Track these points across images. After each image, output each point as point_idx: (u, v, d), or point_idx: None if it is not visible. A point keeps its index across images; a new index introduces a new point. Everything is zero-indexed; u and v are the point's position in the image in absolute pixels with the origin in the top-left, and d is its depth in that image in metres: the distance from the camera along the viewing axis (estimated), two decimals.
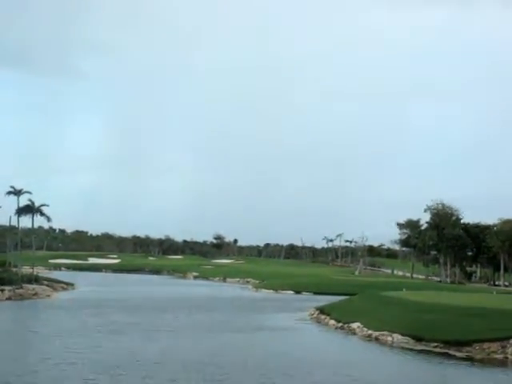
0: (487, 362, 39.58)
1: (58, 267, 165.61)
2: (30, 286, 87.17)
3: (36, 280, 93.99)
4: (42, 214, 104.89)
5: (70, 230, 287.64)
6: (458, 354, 41.54)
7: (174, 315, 62.32)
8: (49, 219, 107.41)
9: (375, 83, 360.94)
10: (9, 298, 78.65)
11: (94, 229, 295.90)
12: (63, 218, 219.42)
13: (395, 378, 35.02)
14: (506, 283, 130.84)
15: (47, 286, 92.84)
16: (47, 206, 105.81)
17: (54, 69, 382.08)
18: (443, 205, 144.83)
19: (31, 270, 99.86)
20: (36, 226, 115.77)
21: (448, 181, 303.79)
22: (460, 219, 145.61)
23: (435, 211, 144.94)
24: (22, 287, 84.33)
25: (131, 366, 33.62)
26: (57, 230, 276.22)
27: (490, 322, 45.98)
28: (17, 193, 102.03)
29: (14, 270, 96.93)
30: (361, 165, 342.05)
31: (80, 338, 44.04)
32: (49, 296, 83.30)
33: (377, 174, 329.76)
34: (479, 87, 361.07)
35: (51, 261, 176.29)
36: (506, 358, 40.57)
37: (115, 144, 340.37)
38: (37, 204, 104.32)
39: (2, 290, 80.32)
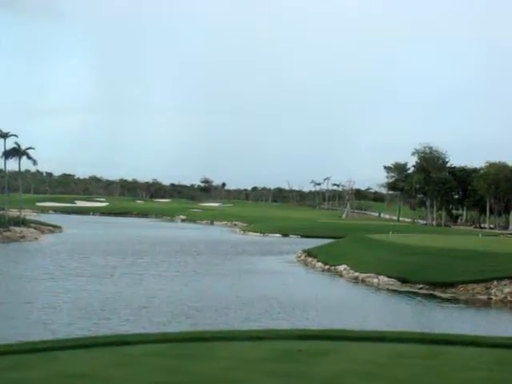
0: (471, 303, 40.09)
1: (45, 210, 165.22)
2: (18, 229, 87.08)
3: (23, 223, 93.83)
4: (29, 157, 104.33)
5: (57, 173, 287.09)
6: (443, 295, 42.02)
7: (161, 258, 62.21)
8: (35, 162, 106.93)
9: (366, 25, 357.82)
10: None
11: (82, 172, 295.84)
12: (50, 161, 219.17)
13: (383, 316, 35.40)
14: (492, 226, 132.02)
15: (35, 228, 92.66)
16: (33, 149, 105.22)
17: (35, 10, 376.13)
18: (431, 148, 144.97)
19: (18, 213, 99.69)
20: (23, 169, 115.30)
21: (437, 125, 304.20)
22: (447, 163, 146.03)
23: (422, 155, 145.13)
24: (9, 230, 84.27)
25: (116, 310, 33.27)
26: (44, 174, 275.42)
27: (474, 263, 46.45)
28: (3, 136, 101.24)
29: (1, 212, 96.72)
30: (349, 109, 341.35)
31: (64, 281, 43.75)
32: (36, 239, 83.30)
33: (365, 118, 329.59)
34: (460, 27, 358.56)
35: (38, 204, 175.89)
36: (490, 298, 41.09)
37: (103, 87, 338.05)
38: (23, 147, 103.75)
39: None
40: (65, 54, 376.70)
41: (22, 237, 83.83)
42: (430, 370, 10.46)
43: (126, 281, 45.44)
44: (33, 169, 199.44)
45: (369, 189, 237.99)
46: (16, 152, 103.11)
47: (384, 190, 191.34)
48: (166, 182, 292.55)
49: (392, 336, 14.11)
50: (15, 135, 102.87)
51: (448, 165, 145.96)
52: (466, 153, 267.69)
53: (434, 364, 10.94)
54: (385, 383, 9.43)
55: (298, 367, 10.47)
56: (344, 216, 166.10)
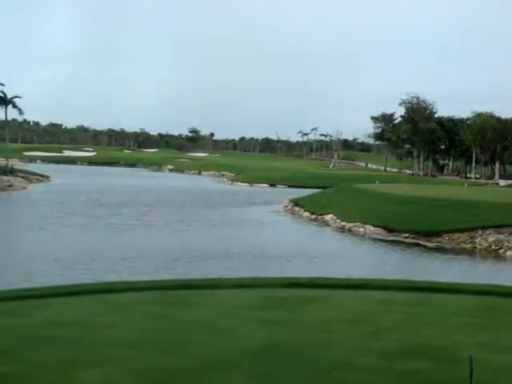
0: (456, 252, 40.50)
1: (33, 160, 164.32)
2: (5, 178, 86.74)
3: (11, 172, 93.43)
4: (15, 106, 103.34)
5: (44, 122, 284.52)
6: (429, 244, 42.42)
7: (147, 209, 61.85)
8: (21, 111, 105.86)
9: None
10: None
11: (69, 122, 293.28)
12: (38, 110, 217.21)
13: (370, 264, 35.74)
14: (477, 176, 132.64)
15: (22, 177, 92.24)
16: (19, 97, 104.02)
17: None
18: (418, 99, 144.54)
19: (6, 162, 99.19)
20: (9, 118, 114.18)
21: (426, 75, 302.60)
22: (434, 113, 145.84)
23: (410, 105, 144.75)
24: None
25: (101, 261, 32.89)
26: (31, 123, 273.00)
27: (460, 213, 46.80)
28: None
29: None
30: (337, 58, 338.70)
31: (50, 233, 43.18)
32: (24, 188, 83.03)
33: (352, 67, 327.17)
34: None
35: (26, 153, 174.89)
36: (475, 247, 41.53)
37: (93, 37, 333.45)
38: (9, 96, 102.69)
39: None
40: (55, 3, 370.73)
41: (10, 186, 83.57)
42: (414, 316, 10.65)
43: (110, 231, 45.27)
44: (20, 118, 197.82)
45: (356, 139, 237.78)
46: (2, 101, 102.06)
47: (371, 141, 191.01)
48: (154, 131, 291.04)
49: (378, 284, 14.30)
50: (1, 84, 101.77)
51: (435, 115, 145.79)
52: (455, 103, 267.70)
53: (418, 311, 11.13)
54: (371, 329, 9.60)
55: (286, 314, 10.62)
56: (331, 166, 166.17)
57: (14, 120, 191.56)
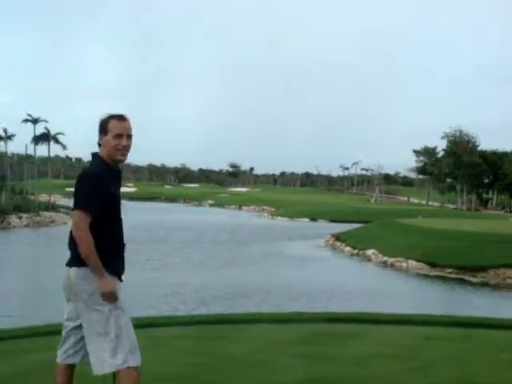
0: (502, 287, 39.78)
1: None
2: (48, 214, 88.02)
3: (53, 208, 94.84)
4: (58, 142, 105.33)
5: (86, 158, 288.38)
6: (473, 280, 41.77)
7: (185, 244, 61.98)
8: (64, 147, 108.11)
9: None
10: (27, 225, 79.59)
11: None
12: (79, 146, 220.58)
13: (412, 300, 35.29)
14: None
15: (64, 213, 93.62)
16: (63, 134, 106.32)
17: None
18: (461, 132, 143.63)
19: (48, 198, 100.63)
20: (52, 154, 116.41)
21: (469, 107, 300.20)
22: (477, 146, 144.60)
23: (452, 138, 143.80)
24: (39, 215, 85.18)
25: (141, 296, 33.05)
26: (73, 159, 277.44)
27: (505, 248, 46.08)
28: (33, 121, 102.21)
29: (31, 197, 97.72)
30: (378, 90, 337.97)
31: None
32: (65, 223, 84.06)
33: (393, 101, 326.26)
34: None
35: (68, 189, 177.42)
36: None
37: (130, 71, 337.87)
38: (53, 132, 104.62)
39: (20, 218, 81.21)
40: (93, 37, 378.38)
41: (52, 221, 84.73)
42: (458, 352, 10.40)
43: (149, 267, 45.39)
44: (62, 154, 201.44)
45: (397, 173, 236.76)
46: (46, 137, 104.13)
47: (413, 175, 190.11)
48: (195, 166, 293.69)
49: (420, 319, 14.03)
50: (45, 121, 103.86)
51: (479, 148, 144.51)
52: (499, 135, 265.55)
53: (462, 346, 10.87)
54: (414, 365, 9.39)
55: (326, 349, 10.45)
56: (373, 201, 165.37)
57: (56, 156, 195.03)
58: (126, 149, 5.81)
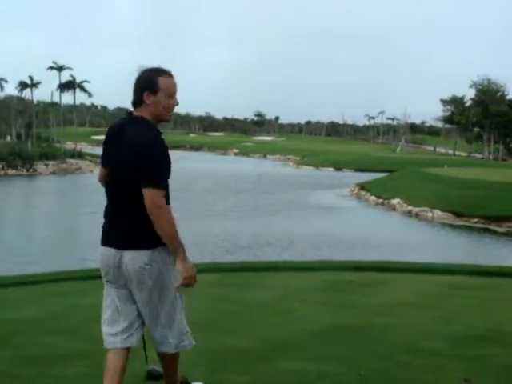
0: None
1: (100, 143, 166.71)
2: (73, 161, 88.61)
3: (79, 155, 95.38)
4: (84, 89, 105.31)
5: (111, 106, 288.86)
6: (499, 229, 41.58)
7: (210, 194, 61.96)
8: (90, 95, 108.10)
9: None
10: (53, 172, 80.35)
11: None
12: (105, 94, 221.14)
13: (437, 249, 35.25)
14: None
15: (90, 161, 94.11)
16: (88, 82, 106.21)
17: None
18: (489, 80, 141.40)
19: (74, 146, 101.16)
20: (78, 102, 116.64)
21: (499, 56, 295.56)
22: (506, 95, 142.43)
23: (480, 87, 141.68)
24: (65, 162, 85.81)
25: None
26: (99, 107, 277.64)
27: None
28: (58, 68, 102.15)
29: (57, 145, 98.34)
30: (406, 40, 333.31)
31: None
32: (91, 171, 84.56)
33: (421, 49, 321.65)
34: None
35: (94, 137, 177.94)
36: None
37: (155, 18, 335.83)
38: (78, 80, 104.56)
39: (47, 165, 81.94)
40: None
41: (78, 169, 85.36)
42: (484, 301, 10.37)
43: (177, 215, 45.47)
44: (88, 102, 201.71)
45: (424, 123, 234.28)
46: (71, 85, 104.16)
47: (440, 124, 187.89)
48: (219, 115, 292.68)
49: (445, 268, 14.00)
50: (70, 68, 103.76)
51: (507, 97, 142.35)
52: None
53: (487, 295, 10.84)
54: (438, 314, 9.38)
55: (350, 297, 10.47)
56: (399, 150, 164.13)
57: (81, 104, 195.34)
58: (173, 109, 5.24)
